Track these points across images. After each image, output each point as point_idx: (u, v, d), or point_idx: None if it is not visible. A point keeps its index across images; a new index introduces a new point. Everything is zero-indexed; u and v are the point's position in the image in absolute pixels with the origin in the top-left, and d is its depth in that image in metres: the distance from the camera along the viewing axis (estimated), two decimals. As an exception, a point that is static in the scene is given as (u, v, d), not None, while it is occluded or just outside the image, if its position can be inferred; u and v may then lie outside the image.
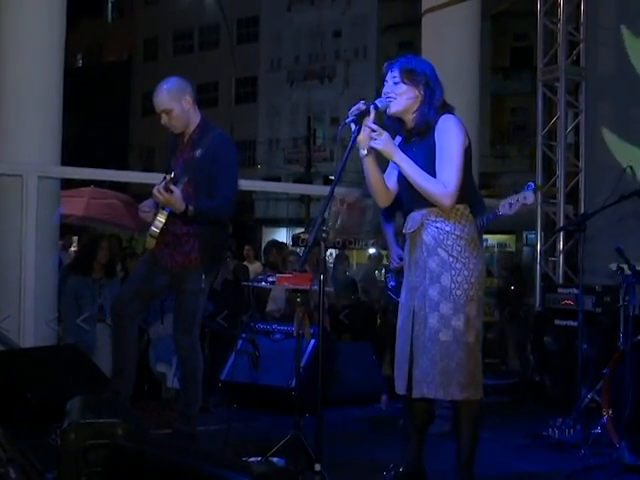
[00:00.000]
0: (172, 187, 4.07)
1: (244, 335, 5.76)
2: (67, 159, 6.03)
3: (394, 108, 3.48)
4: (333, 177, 3.61)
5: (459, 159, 3.40)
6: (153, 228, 4.27)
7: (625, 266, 4.78)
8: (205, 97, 27.04)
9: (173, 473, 2.74)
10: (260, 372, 5.45)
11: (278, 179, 27.43)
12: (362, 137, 3.36)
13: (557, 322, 6.30)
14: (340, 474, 3.81)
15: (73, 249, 10.88)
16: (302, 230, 24.24)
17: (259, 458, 3.99)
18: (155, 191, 4.10)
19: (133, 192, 15.36)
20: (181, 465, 2.75)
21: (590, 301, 5.88)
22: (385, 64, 3.54)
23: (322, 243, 3.40)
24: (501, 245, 26.70)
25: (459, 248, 3.42)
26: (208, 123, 4.48)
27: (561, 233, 7.30)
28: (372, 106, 3.38)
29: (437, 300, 3.41)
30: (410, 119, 3.51)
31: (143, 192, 5.19)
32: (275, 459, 4.04)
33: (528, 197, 4.27)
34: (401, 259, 4.54)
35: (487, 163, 20.85)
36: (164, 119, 4.37)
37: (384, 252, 10.38)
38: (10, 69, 5.72)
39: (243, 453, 4.10)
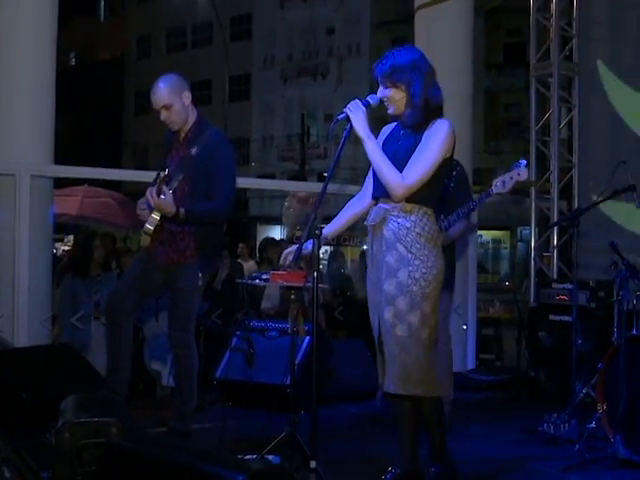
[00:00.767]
0: (164, 189, 4.08)
1: (239, 333, 5.75)
2: (60, 158, 6.01)
3: (390, 111, 3.55)
4: (327, 174, 3.61)
5: (430, 161, 3.41)
6: (148, 226, 4.27)
7: (619, 260, 4.79)
8: (199, 95, 26.80)
9: (168, 472, 2.74)
10: (255, 370, 5.44)
11: (272, 176, 27.41)
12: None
13: (551, 317, 6.31)
14: (335, 471, 3.80)
15: (67, 247, 10.89)
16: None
17: (254, 456, 3.98)
18: (148, 194, 4.13)
19: (127, 190, 15.35)
20: (176, 463, 2.75)
21: (584, 296, 5.89)
22: (374, 65, 3.56)
23: (315, 240, 3.40)
24: (495, 241, 26.77)
25: (418, 245, 3.43)
26: (204, 121, 4.47)
27: (555, 228, 7.31)
28: (364, 103, 3.45)
29: (393, 294, 3.42)
30: (404, 116, 3.54)
31: (137, 190, 5.18)
32: (270, 457, 4.03)
33: (522, 173, 4.29)
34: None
35: (481, 159, 20.90)
36: (164, 115, 4.36)
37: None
38: (2, 68, 5.69)
39: (238, 451, 4.09)
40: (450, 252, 4.69)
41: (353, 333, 7.78)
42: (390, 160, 3.43)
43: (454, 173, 4.94)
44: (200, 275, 4.39)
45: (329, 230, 3.76)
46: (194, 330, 4.50)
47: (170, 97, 4.32)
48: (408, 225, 3.44)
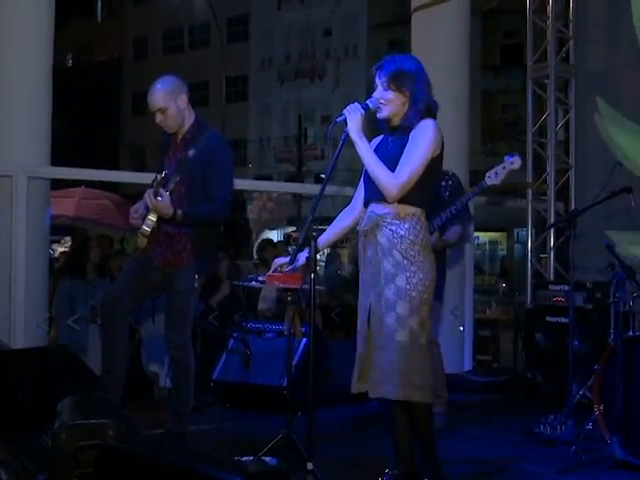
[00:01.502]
0: (161, 191, 4.08)
1: (235, 334, 5.75)
2: (57, 159, 6.00)
3: (384, 113, 3.56)
4: (324, 175, 3.62)
5: (419, 160, 3.44)
6: (145, 227, 4.26)
7: (615, 262, 4.80)
8: (196, 96, 26.77)
9: (165, 473, 2.73)
10: (252, 371, 5.44)
11: (269, 178, 27.43)
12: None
13: (548, 319, 6.31)
14: (332, 473, 3.81)
15: (64, 249, 10.88)
16: (293, 229, 24.25)
17: (251, 457, 3.99)
18: (146, 195, 4.14)
19: (124, 192, 15.31)
20: (173, 465, 2.75)
21: (581, 297, 5.90)
22: (374, 67, 3.60)
23: (312, 242, 3.41)
24: (492, 242, 26.79)
25: (413, 252, 3.45)
26: (202, 123, 4.47)
27: (552, 230, 7.31)
28: (363, 106, 3.47)
29: (393, 300, 3.44)
30: (396, 120, 3.58)
31: (134, 192, 5.18)
32: (267, 458, 4.04)
33: (515, 162, 4.34)
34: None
35: (478, 160, 20.82)
36: (159, 118, 4.36)
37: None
38: (-1, 69, 5.70)
39: (235, 452, 4.09)
40: (441, 262, 4.69)
41: (350, 335, 7.77)
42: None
43: (450, 183, 4.97)
44: (197, 277, 4.39)
45: (321, 241, 3.77)
46: (191, 332, 4.49)
47: (165, 100, 4.31)
48: (402, 233, 3.46)
